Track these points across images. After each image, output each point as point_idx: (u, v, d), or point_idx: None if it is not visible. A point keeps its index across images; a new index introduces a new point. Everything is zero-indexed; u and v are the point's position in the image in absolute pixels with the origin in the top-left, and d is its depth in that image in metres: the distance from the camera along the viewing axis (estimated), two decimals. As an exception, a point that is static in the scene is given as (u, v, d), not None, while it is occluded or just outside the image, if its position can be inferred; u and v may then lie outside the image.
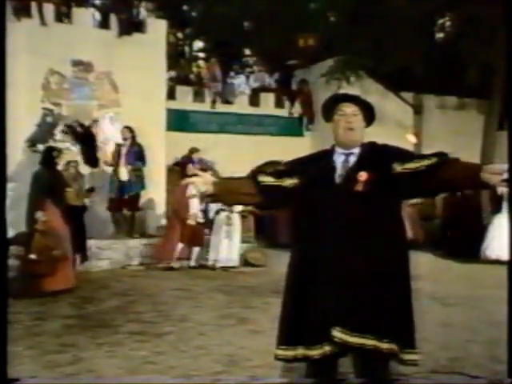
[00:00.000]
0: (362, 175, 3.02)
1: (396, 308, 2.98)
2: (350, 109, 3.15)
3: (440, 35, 15.92)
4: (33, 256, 7.22)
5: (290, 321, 3.12)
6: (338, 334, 2.91)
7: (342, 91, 13.66)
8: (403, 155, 3.14)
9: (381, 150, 3.19)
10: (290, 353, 3.08)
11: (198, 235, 9.95)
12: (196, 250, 10.00)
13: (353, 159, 3.14)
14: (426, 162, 3.03)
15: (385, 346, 2.93)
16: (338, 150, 3.19)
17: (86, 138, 10.66)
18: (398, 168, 3.04)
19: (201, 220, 10.00)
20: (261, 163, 11.87)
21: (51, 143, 9.86)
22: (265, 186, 3.21)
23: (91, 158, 10.67)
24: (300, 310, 3.06)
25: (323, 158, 3.22)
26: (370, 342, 2.92)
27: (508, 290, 3.40)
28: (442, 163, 3.01)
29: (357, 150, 3.16)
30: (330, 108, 3.22)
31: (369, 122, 3.25)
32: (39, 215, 7.31)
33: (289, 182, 3.19)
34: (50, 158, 7.89)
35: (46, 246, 7.26)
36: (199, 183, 3.17)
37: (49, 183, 7.53)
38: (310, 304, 3.02)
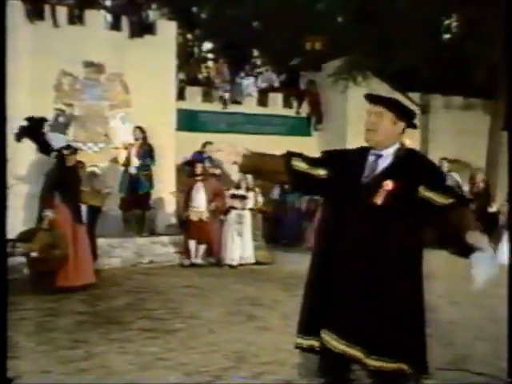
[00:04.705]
0: (388, 184, 2.88)
1: (403, 326, 2.84)
2: (374, 109, 3.03)
3: (447, 36, 15.86)
4: (34, 254, 7.25)
5: (305, 311, 3.09)
6: (324, 335, 2.88)
7: (350, 92, 13.66)
8: (434, 180, 2.93)
9: (416, 162, 3.00)
10: (304, 342, 3.05)
11: (204, 232, 9.96)
12: (202, 247, 10.01)
13: (382, 162, 3.00)
14: (448, 200, 2.87)
15: (372, 362, 2.81)
16: (372, 149, 3.06)
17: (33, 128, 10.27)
18: (423, 192, 2.88)
19: (205, 218, 10.00)
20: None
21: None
22: (297, 172, 3.09)
23: (44, 145, 10.35)
24: (315, 303, 3.01)
25: (358, 155, 3.08)
26: (354, 352, 2.81)
27: (508, 289, 3.38)
28: (457, 206, 2.87)
29: (387, 153, 3.01)
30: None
31: (408, 122, 3.07)
32: (47, 213, 7.28)
33: (321, 172, 3.07)
34: (62, 155, 7.89)
35: (48, 244, 7.22)
36: (229, 153, 3.08)
37: (59, 180, 7.49)
38: (322, 298, 2.97)
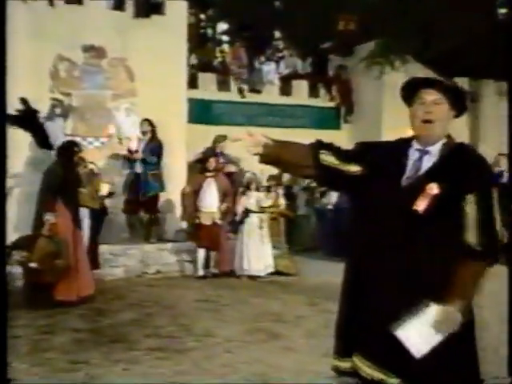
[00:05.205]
0: (432, 188, 2.73)
1: (449, 356, 2.73)
2: (431, 97, 2.83)
3: (503, 11, 15.55)
4: (33, 264, 7.26)
5: (340, 328, 3.02)
6: (356, 360, 2.85)
7: (386, 78, 13.57)
8: (485, 188, 2.77)
9: (467, 161, 2.82)
10: (342, 364, 3.01)
11: (217, 238, 9.99)
12: (213, 254, 10.03)
13: (427, 160, 2.85)
14: (479, 244, 2.70)
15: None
16: (415, 144, 2.90)
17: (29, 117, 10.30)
18: (470, 200, 2.73)
19: (218, 221, 10.03)
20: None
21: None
22: (325, 166, 2.97)
23: (43, 139, 10.39)
24: (349, 321, 2.97)
25: (398, 150, 2.94)
26: (392, 381, 2.74)
27: (508, 289, 3.34)
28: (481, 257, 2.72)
29: (435, 149, 2.86)
30: (409, 95, 2.92)
31: (459, 112, 2.93)
32: (48, 217, 7.31)
33: (353, 168, 2.95)
34: (67, 153, 7.92)
35: (50, 253, 7.27)
36: (249, 142, 2.97)
37: (62, 181, 7.51)
38: (355, 317, 2.93)
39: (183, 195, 10.34)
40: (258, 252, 9.94)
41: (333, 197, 12.14)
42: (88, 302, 7.49)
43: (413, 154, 2.88)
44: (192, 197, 10.06)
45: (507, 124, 3.08)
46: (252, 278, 9.77)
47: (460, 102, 2.92)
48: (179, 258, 10.31)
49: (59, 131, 10.30)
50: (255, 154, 3.00)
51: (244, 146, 2.97)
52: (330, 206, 12.35)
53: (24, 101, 9.62)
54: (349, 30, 14.48)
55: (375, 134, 13.00)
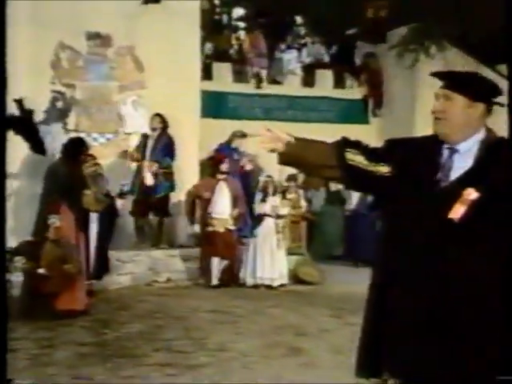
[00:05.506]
0: (470, 193, 2.66)
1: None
2: (442, 90, 2.82)
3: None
4: (42, 270, 7.31)
5: (365, 343, 2.98)
6: (386, 378, 2.86)
7: (420, 66, 13.46)
8: None
9: (507, 160, 2.73)
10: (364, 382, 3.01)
11: (231, 246, 10.03)
12: (223, 263, 10.05)
13: (458, 160, 2.80)
14: None
15: None
16: (445, 142, 2.86)
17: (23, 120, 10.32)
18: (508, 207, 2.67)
19: (231, 227, 10.06)
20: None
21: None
22: (352, 167, 2.91)
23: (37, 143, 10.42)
24: (375, 338, 2.95)
25: (430, 147, 2.87)
26: None
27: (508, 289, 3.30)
28: None
29: (466, 148, 2.81)
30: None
31: (490, 102, 2.84)
32: (53, 220, 7.37)
33: (383, 169, 2.89)
34: (74, 152, 7.96)
35: (58, 258, 7.33)
36: (266, 138, 2.94)
37: (68, 182, 7.57)
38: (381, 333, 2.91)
39: (192, 197, 10.33)
40: (272, 259, 9.95)
41: (354, 198, 12.12)
42: (92, 312, 7.52)
43: (444, 152, 2.84)
44: (203, 202, 10.10)
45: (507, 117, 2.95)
46: (270, 287, 9.78)
47: (484, 92, 2.84)
48: (191, 266, 10.32)
49: (59, 129, 10.35)
50: (272, 151, 2.97)
51: (260, 142, 2.94)
52: (351, 208, 12.37)
53: (19, 102, 9.69)
54: (379, 17, 14.38)
55: (407, 129, 12.92)
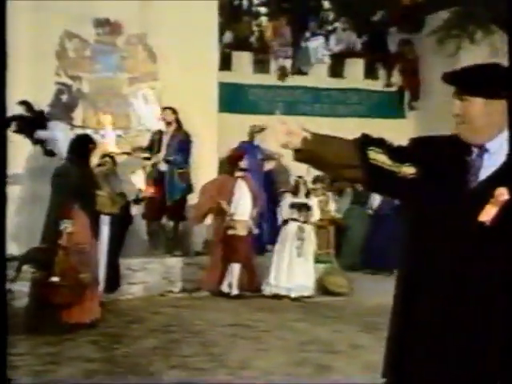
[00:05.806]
0: (502, 193, 2.68)
1: None
2: (457, 93, 2.84)
3: None
4: (55, 279, 7.32)
5: (391, 352, 3.02)
6: None
7: (463, 54, 13.34)
8: None
9: None
10: None
11: (251, 251, 10.10)
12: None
13: (489, 160, 2.80)
14: None
15: None
16: None
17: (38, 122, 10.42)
18: None
19: (254, 230, 10.12)
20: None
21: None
22: (375, 167, 2.90)
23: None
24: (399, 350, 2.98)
25: (459, 146, 2.87)
26: None
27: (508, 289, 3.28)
28: None
29: (495, 146, 2.80)
30: None
31: (508, 97, 2.80)
32: (66, 225, 7.40)
33: (408, 170, 2.88)
34: (83, 150, 7.99)
35: (72, 267, 7.37)
36: (281, 133, 2.90)
37: (79, 183, 7.60)
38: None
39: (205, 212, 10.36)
40: (292, 267, 9.95)
41: (375, 200, 12.05)
42: (100, 325, 7.56)
43: (474, 151, 2.84)
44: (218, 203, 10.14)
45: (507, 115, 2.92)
46: (296, 298, 9.77)
47: (501, 91, 2.80)
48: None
49: (63, 126, 10.42)
50: (284, 147, 2.95)
51: (274, 136, 2.91)
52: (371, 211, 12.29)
53: (28, 105, 9.80)
54: (416, 4, 14.30)
55: (447, 123, 12.79)
